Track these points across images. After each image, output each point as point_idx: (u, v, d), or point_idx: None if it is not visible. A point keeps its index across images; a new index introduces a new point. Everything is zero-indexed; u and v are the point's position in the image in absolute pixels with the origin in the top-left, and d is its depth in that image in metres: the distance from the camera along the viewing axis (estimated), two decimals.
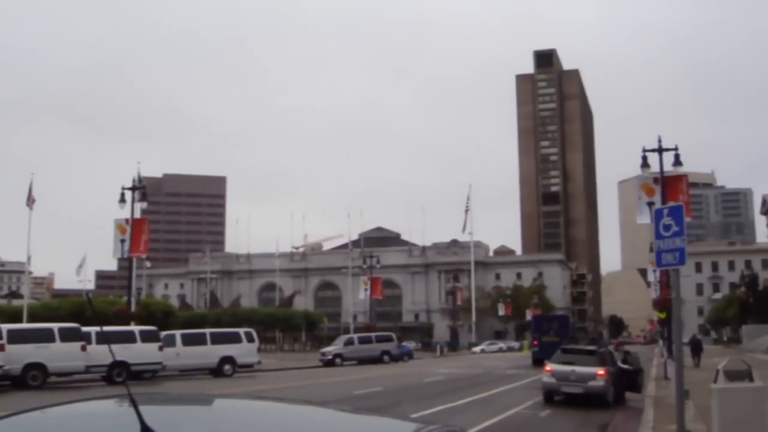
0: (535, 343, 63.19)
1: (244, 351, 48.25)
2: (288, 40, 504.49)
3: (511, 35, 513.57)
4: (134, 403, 2.96)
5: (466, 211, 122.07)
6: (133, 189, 51.52)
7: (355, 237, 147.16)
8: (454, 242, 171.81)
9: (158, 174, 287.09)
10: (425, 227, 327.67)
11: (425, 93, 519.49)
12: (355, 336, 74.96)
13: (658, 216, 14.40)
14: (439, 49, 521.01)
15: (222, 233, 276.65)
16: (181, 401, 4.71)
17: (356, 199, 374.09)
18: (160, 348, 41.54)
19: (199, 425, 3.60)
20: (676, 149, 33.12)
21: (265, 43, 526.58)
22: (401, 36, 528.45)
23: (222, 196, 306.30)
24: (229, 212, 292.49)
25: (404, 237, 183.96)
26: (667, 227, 14.11)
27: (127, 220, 51.69)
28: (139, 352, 39.67)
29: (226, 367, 46.66)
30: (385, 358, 69.93)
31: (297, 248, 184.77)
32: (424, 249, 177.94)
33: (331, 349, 68.77)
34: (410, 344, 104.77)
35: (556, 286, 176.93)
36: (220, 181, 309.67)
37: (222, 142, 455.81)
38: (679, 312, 15.15)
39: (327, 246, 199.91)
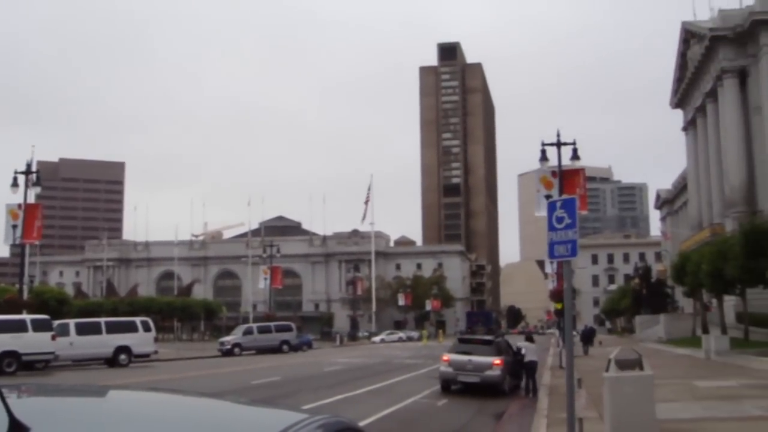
0: (468, 330, 71.20)
1: (141, 340, 47.46)
2: (187, 27, 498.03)
3: (416, 28, 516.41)
4: (1, 396, 2.83)
5: (367, 201, 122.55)
6: (26, 173, 49.99)
7: (255, 226, 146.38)
8: (355, 232, 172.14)
9: (54, 159, 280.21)
10: (326, 217, 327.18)
11: (329, 84, 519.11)
12: (254, 325, 74.51)
13: (551, 208, 14.58)
14: (343, 40, 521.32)
15: (120, 220, 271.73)
16: (68, 393, 4.59)
17: (257, 188, 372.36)
18: (53, 337, 40.51)
19: (82, 418, 3.50)
20: (574, 144, 33.77)
21: (164, 30, 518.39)
22: (303, 27, 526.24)
23: (120, 182, 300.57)
24: (127, 199, 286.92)
25: (305, 226, 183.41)
26: (560, 219, 14.31)
27: (19, 205, 50.09)
28: (30, 342, 38.67)
29: (122, 357, 45.85)
30: (285, 347, 69.69)
31: (196, 236, 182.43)
32: (324, 238, 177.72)
33: (229, 339, 68.20)
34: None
35: (456, 276, 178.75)
36: (118, 167, 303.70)
37: (122, 127, 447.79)
38: (570, 303, 15.43)
39: (227, 234, 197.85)
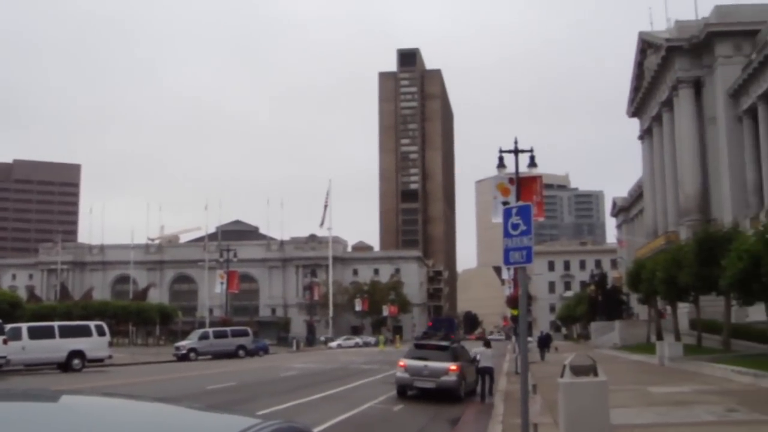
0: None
1: (95, 345, 46.95)
2: (143, 29, 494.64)
3: (376, 34, 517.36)
4: None
5: (325, 206, 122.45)
6: None
7: (212, 230, 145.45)
8: (313, 237, 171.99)
9: (8, 160, 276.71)
10: (284, 222, 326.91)
11: (287, 88, 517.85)
12: (210, 330, 74.12)
13: (506, 215, 14.66)
14: (303, 45, 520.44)
15: (75, 223, 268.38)
16: (19, 398, 4.52)
17: (215, 192, 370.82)
18: (5, 341, 39.95)
19: (32, 424, 3.45)
20: (531, 151, 33.94)
21: (120, 32, 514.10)
22: (262, 31, 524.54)
23: (76, 185, 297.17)
24: (82, 201, 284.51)
25: (263, 231, 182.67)
26: (515, 226, 14.39)
27: None
28: None
29: (75, 361, 45.28)
30: (241, 352, 69.36)
31: (153, 240, 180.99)
32: (282, 243, 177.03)
33: (185, 344, 67.64)
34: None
35: (413, 282, 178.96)
36: (74, 169, 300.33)
37: (77, 129, 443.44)
38: (525, 309, 15.51)
39: (184, 238, 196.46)
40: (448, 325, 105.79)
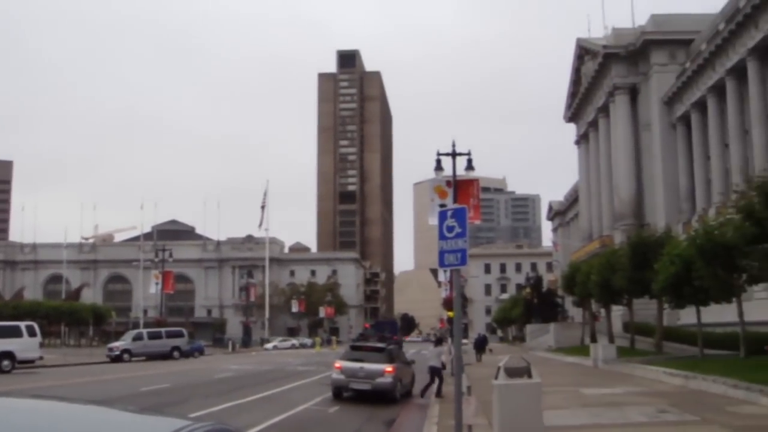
0: (377, 336, 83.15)
1: (25, 346, 46.08)
2: (77, 26, 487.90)
3: (317, 36, 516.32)
4: None
5: (263, 207, 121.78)
6: None
7: (148, 229, 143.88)
8: (250, 238, 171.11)
9: None
10: (221, 222, 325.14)
11: (225, 89, 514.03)
12: (145, 331, 73.21)
13: (442, 217, 14.68)
14: (242, 46, 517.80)
15: (6, 221, 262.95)
16: None
17: (151, 192, 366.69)
18: None
19: None
20: (469, 154, 34.07)
21: (54, 28, 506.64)
22: (200, 32, 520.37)
23: (7, 182, 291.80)
24: (14, 199, 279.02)
25: (199, 231, 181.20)
26: (450, 228, 14.41)
27: None
28: None
29: (5, 362, 44.35)
30: (176, 353, 68.67)
31: (86, 239, 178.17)
32: (218, 244, 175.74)
33: (118, 345, 66.68)
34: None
35: (350, 284, 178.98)
36: (5, 166, 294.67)
37: (9, 126, 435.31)
38: (460, 311, 15.55)
39: (119, 238, 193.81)
40: (390, 328, 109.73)
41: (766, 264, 28.60)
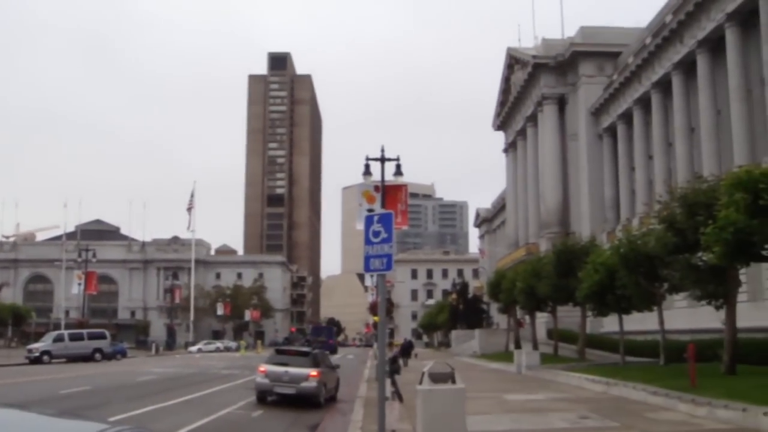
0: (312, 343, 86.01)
1: None
2: None
3: (248, 38, 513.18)
4: None
5: (190, 208, 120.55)
6: None
7: (71, 229, 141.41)
8: (176, 239, 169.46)
9: None
10: (147, 223, 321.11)
11: (153, 90, 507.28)
12: (66, 332, 71.86)
13: (368, 222, 14.71)
14: (170, 47, 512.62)
15: None
16: None
17: (75, 191, 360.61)
18: None
19: None
20: (397, 160, 34.19)
21: None
22: (129, 32, 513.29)
23: None
24: None
25: (124, 231, 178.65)
26: (376, 233, 14.45)
27: None
28: None
29: None
30: (97, 356, 67.51)
31: (7, 237, 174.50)
32: (144, 244, 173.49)
33: (38, 346, 65.32)
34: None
35: (277, 287, 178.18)
36: None
37: None
38: (384, 316, 15.56)
39: (41, 237, 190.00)
40: (327, 333, 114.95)
41: (687, 274, 29.13)
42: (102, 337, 71.56)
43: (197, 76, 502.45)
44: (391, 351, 28.54)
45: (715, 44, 53.61)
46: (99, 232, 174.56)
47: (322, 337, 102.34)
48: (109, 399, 28.48)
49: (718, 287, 28.42)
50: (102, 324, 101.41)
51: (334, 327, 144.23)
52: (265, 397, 27.96)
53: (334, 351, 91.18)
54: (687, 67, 58.15)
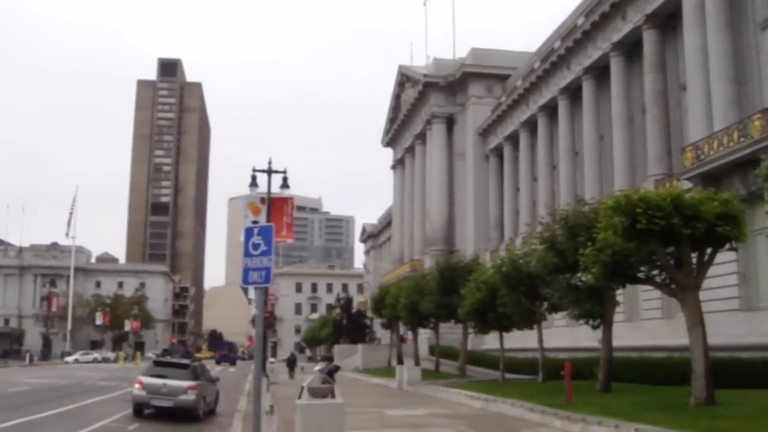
0: (217, 354, 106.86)
1: None
2: None
3: (140, 43, 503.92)
4: None
5: (71, 214, 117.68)
6: None
7: None
8: (55, 245, 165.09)
9: None
10: (26, 228, 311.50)
11: (34, 92, 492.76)
12: None
13: (248, 235, 14.68)
14: (55, 50, 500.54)
15: None
16: None
17: None
18: None
19: None
20: (284, 172, 34.13)
21: None
22: (4, 30, 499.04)
23: None
24: None
25: (1, 236, 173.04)
26: (256, 246, 14.42)
27: None
28: None
29: None
30: None
31: None
32: (21, 250, 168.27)
33: None
34: None
35: (159, 297, 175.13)
36: None
37: None
38: (262, 329, 15.47)
39: None
40: (229, 347, 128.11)
41: (566, 293, 29.79)
42: None
43: (84, 79, 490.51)
44: (327, 366, 28.27)
45: (600, 72, 55.02)
46: None
47: (225, 351, 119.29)
48: None
49: (596, 307, 29.18)
50: None
51: (235, 343, 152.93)
52: (142, 410, 27.38)
53: (233, 363, 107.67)
54: (573, 92, 59.54)
